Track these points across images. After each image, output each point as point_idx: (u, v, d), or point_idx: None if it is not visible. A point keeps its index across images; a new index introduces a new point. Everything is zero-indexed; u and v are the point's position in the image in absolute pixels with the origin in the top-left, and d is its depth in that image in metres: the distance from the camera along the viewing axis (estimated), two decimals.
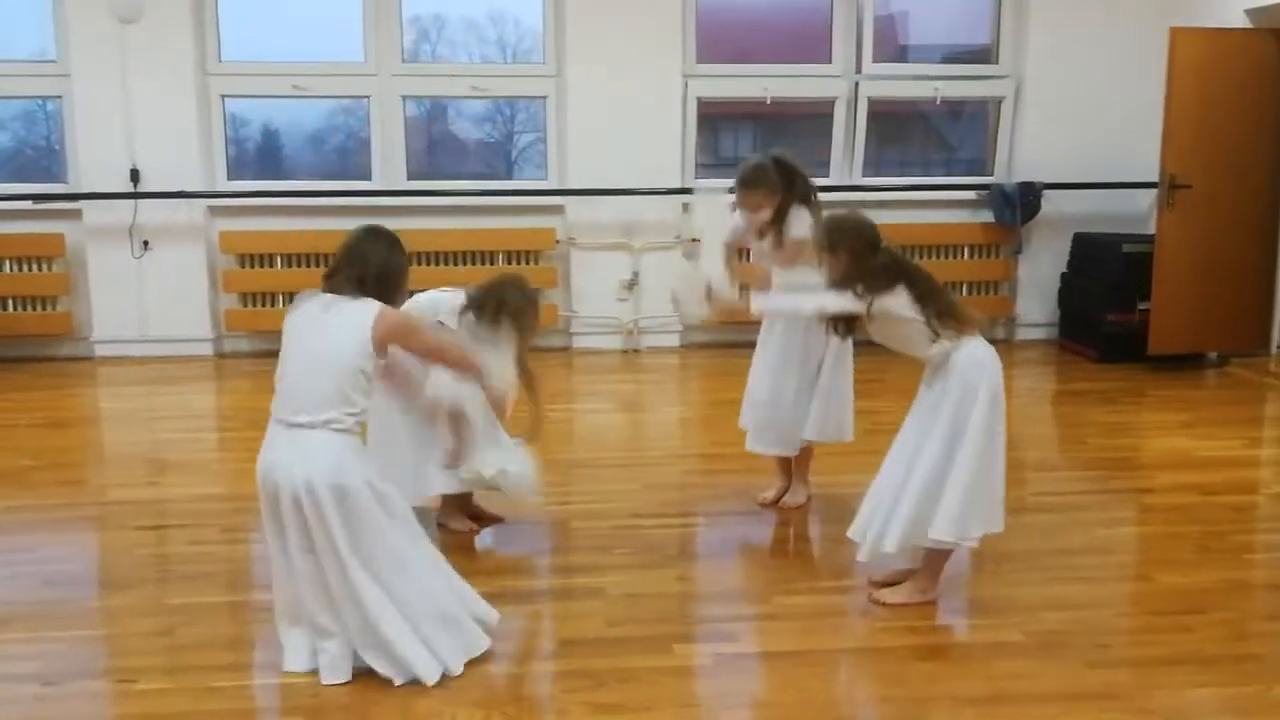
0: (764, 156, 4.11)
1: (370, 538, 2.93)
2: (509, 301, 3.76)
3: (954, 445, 3.32)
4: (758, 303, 3.84)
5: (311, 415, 2.91)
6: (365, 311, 2.94)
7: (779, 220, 4.06)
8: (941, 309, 3.38)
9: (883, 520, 3.41)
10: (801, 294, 3.72)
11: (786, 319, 4.03)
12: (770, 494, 4.45)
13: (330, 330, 2.95)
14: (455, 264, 7.28)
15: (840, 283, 3.44)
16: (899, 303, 3.36)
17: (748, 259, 4.55)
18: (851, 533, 3.53)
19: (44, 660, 3.14)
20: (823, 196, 7.65)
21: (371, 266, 3.00)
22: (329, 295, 3.00)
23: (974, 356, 3.38)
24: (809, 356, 4.19)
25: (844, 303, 3.42)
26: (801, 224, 4.04)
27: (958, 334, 3.37)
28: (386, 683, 2.99)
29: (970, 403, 3.32)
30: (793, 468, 4.42)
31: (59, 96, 7.25)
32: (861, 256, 3.42)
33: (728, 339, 7.50)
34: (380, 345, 2.95)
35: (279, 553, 3.00)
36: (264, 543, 3.68)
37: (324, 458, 2.89)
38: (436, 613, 3.03)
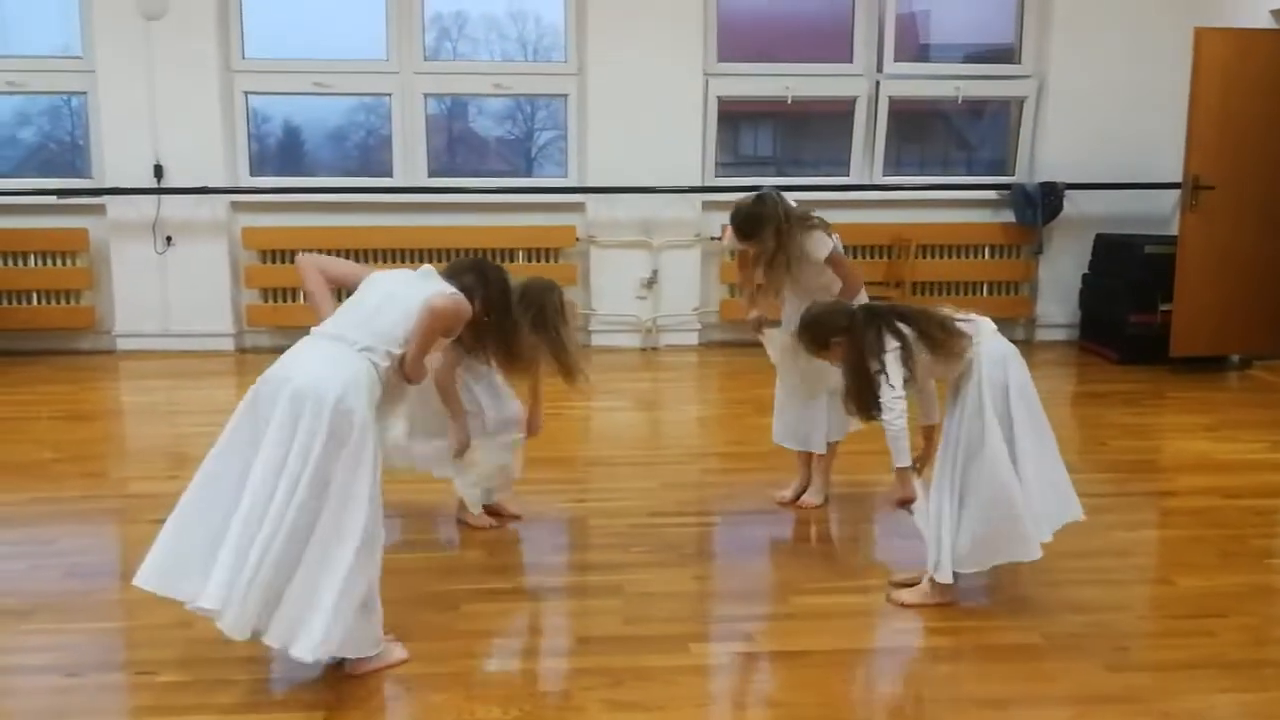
0: (752, 201, 4.06)
1: (344, 473, 2.84)
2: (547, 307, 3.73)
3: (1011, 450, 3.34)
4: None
5: (356, 338, 2.96)
6: (445, 286, 3.12)
7: (784, 249, 4.01)
8: (938, 338, 3.34)
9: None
10: (893, 440, 3.39)
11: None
12: (788, 493, 4.44)
13: (415, 286, 3.10)
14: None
15: (861, 373, 3.36)
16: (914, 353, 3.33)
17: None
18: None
19: (65, 652, 3.17)
20: (843, 195, 7.73)
21: (492, 288, 3.40)
22: (435, 269, 3.21)
23: (992, 356, 3.37)
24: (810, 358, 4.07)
25: (893, 393, 3.31)
26: (819, 243, 4.04)
27: (965, 346, 3.36)
28: (402, 678, 3.00)
29: (1003, 403, 3.34)
30: (813, 467, 4.41)
31: (84, 92, 7.31)
32: (851, 337, 3.38)
33: (746, 338, 7.49)
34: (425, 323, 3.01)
35: (225, 469, 2.93)
36: None
37: (345, 372, 2.90)
38: (361, 595, 2.91)
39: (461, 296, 3.12)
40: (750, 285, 4.35)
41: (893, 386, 3.30)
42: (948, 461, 3.38)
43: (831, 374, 4.08)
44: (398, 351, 3.00)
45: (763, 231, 4.01)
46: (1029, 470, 3.36)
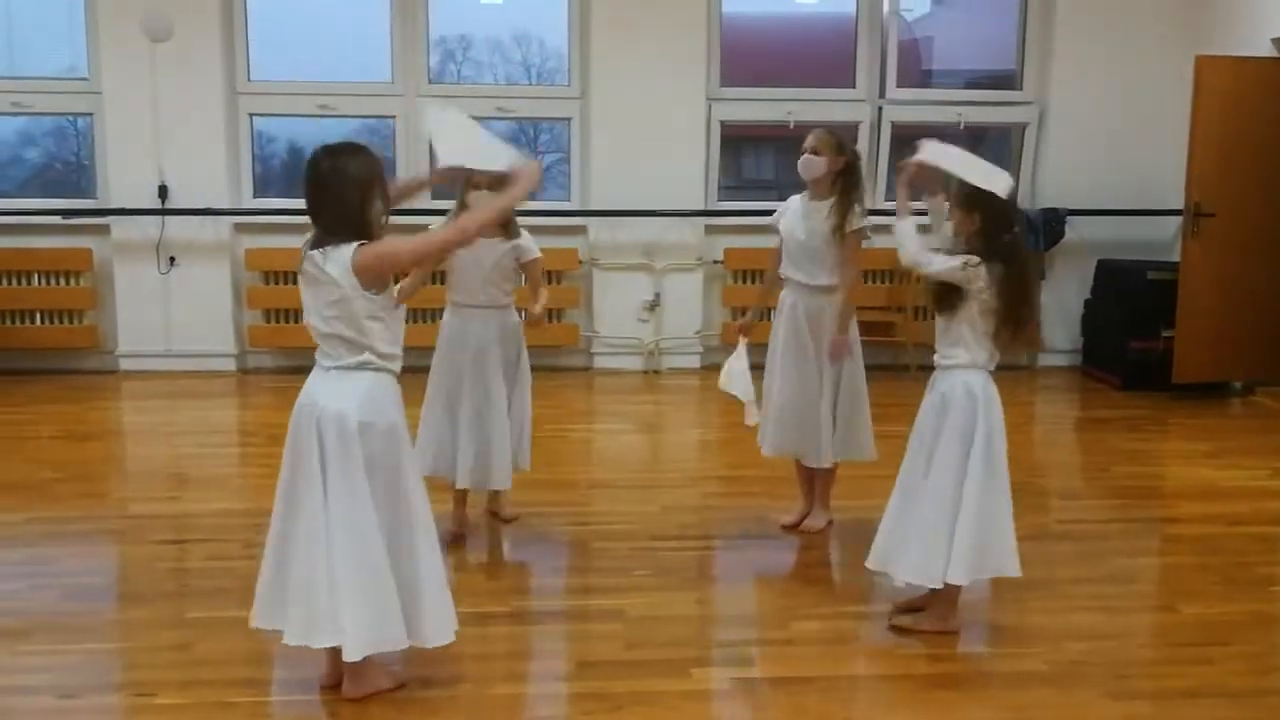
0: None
1: (385, 477, 2.92)
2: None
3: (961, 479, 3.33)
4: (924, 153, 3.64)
5: (344, 360, 2.95)
6: (345, 258, 2.89)
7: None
8: (1010, 333, 3.35)
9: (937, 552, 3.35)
10: (921, 239, 3.49)
11: (902, 249, 3.58)
12: (791, 518, 4.43)
13: (327, 282, 2.92)
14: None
15: (959, 247, 3.38)
16: (988, 297, 3.31)
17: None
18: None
19: (62, 672, 3.16)
20: None
21: (347, 208, 2.92)
22: (321, 250, 2.94)
23: (969, 388, 3.36)
24: (805, 358, 4.22)
25: (946, 270, 3.34)
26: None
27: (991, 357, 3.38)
28: (400, 703, 2.98)
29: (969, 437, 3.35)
30: (815, 491, 4.40)
31: (90, 114, 7.34)
32: (992, 228, 3.36)
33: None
34: (371, 283, 2.90)
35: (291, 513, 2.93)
36: None
37: (355, 394, 2.91)
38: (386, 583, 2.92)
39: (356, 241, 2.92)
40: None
41: (959, 272, 3.31)
42: (948, 471, 3.35)
43: (841, 392, 4.10)
44: (385, 344, 2.96)
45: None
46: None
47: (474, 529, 4.35)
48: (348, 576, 2.85)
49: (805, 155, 4.21)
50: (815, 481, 4.38)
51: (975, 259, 3.32)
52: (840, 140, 4.26)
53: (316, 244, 2.94)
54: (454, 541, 4.15)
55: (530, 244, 4.20)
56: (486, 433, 4.12)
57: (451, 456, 4.13)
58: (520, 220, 4.24)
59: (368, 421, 2.89)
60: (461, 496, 4.25)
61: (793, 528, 4.39)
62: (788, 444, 4.33)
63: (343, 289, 2.88)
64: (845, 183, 4.19)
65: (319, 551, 2.85)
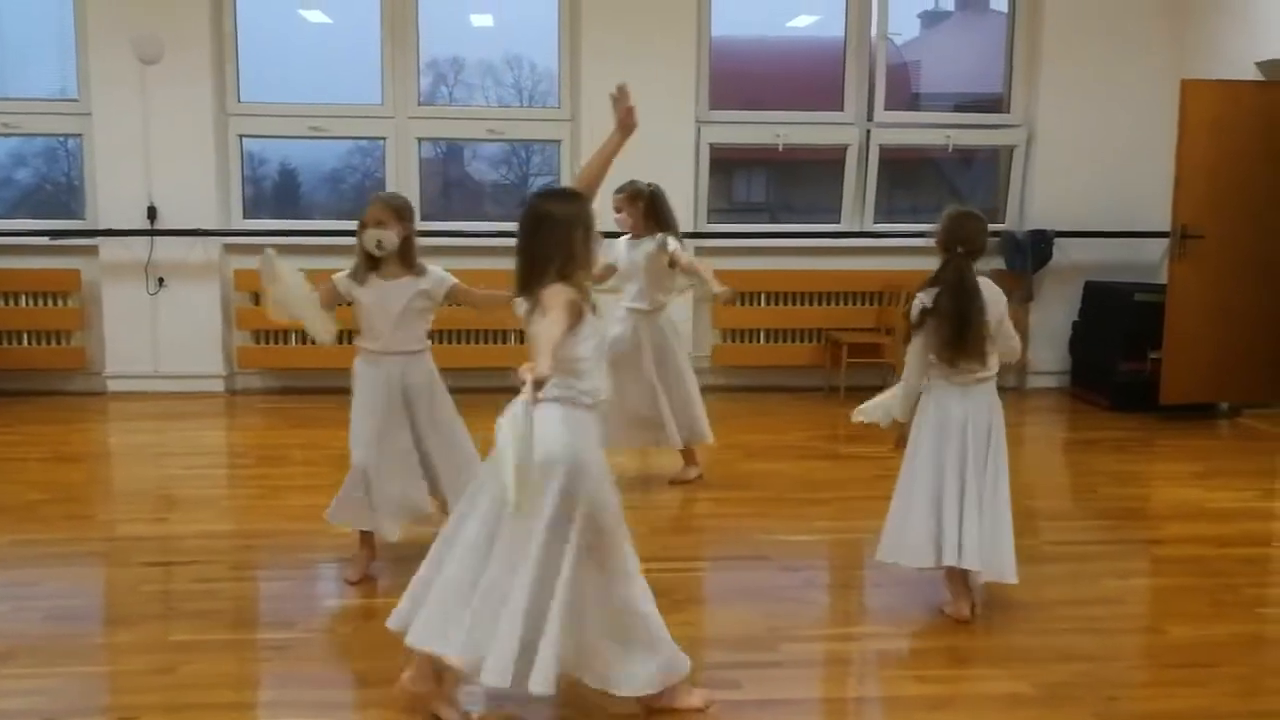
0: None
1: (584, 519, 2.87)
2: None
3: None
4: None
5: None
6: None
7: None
8: (944, 356, 3.61)
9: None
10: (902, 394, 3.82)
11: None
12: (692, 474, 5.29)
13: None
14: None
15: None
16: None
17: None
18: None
19: (45, 696, 3.13)
20: (835, 243, 7.81)
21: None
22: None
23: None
24: (643, 358, 5.06)
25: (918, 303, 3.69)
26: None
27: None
28: None
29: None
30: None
31: (79, 135, 7.34)
32: (942, 247, 3.71)
33: (739, 383, 7.50)
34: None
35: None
36: (272, 579, 3.69)
37: (553, 434, 2.81)
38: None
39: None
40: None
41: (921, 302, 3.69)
42: (970, 467, 3.62)
43: (672, 383, 5.10)
44: (576, 380, 2.91)
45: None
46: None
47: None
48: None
49: (616, 217, 5.10)
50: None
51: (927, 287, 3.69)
52: (637, 189, 5.10)
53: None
54: (360, 582, 4.01)
55: (439, 277, 4.03)
56: (431, 470, 4.04)
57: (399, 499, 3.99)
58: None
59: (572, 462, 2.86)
60: (369, 537, 4.05)
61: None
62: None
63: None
64: (658, 217, 5.08)
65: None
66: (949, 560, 3.63)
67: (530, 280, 2.92)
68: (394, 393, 3.97)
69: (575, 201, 3.01)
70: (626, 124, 3.32)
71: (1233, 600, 3.97)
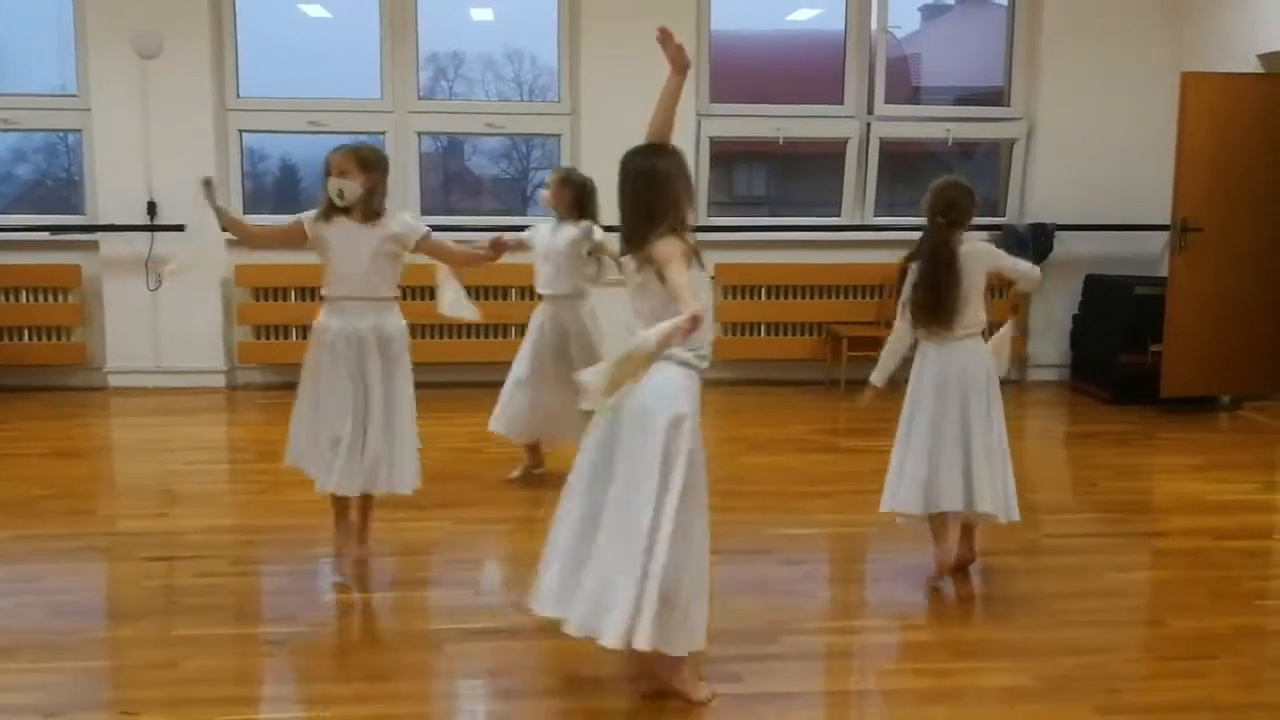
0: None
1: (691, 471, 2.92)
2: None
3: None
4: None
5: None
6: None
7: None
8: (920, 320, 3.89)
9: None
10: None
11: None
12: (517, 472, 5.18)
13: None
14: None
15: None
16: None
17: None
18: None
19: (47, 691, 3.13)
20: (835, 236, 7.80)
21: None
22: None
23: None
24: (544, 350, 5.02)
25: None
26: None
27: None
28: (398, 717, 2.96)
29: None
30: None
31: (79, 130, 7.34)
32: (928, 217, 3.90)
33: (739, 376, 7.50)
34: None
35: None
36: (274, 574, 3.70)
37: (652, 388, 2.89)
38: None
39: None
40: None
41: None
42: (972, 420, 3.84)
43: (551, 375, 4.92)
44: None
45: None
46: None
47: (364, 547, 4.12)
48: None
49: (544, 194, 5.14)
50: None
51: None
52: (572, 177, 5.15)
53: None
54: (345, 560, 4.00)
55: (409, 224, 3.95)
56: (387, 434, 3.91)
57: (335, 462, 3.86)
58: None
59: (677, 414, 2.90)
60: (343, 508, 4.04)
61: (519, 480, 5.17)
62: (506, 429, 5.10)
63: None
64: (584, 207, 5.02)
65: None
66: (948, 506, 3.83)
67: (638, 236, 2.96)
68: (353, 349, 3.83)
69: (674, 155, 3.07)
70: (680, 62, 3.31)
71: (1233, 592, 3.97)
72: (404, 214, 4.04)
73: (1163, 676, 3.33)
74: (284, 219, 4.04)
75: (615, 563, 2.86)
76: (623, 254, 3.02)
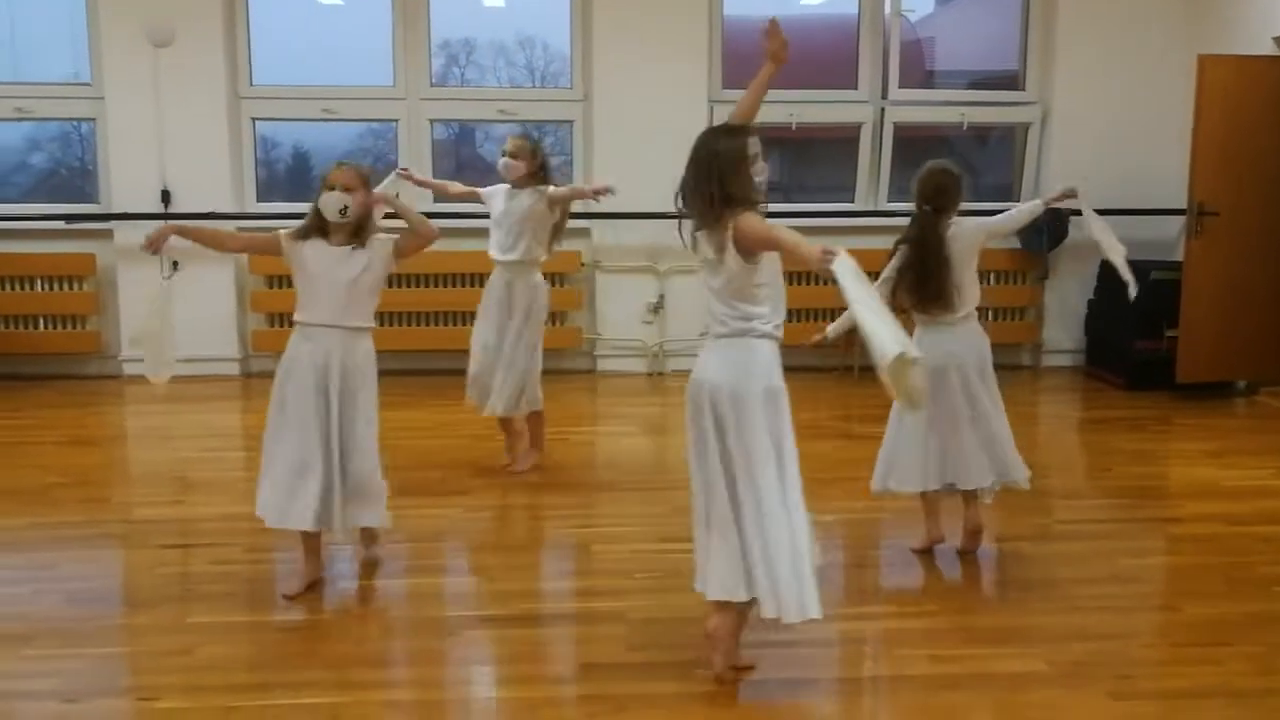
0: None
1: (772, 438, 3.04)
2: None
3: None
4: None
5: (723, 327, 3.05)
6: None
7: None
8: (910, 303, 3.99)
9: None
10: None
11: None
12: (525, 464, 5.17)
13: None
14: (480, 285, 7.29)
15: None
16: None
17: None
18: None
19: (65, 677, 3.16)
20: (849, 221, 7.76)
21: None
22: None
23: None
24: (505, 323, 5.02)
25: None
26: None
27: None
28: (400, 705, 2.97)
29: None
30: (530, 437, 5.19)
31: (93, 119, 7.36)
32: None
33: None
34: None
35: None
36: (289, 561, 3.72)
37: (740, 364, 3.01)
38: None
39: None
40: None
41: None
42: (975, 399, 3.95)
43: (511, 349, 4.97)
44: (752, 311, 3.06)
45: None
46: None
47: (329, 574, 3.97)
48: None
49: (505, 160, 5.00)
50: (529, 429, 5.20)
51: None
52: (538, 148, 5.11)
53: None
54: (311, 589, 3.79)
55: (381, 240, 3.80)
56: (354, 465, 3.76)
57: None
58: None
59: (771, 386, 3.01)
60: (315, 541, 3.83)
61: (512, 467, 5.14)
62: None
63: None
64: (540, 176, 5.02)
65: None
66: (945, 482, 3.96)
67: (712, 215, 3.04)
68: (319, 380, 3.73)
69: (741, 135, 3.18)
70: (779, 57, 3.59)
71: (1248, 578, 3.96)
72: (376, 235, 3.82)
73: (1177, 663, 3.32)
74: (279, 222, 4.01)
75: (776, 541, 3.04)
76: (695, 230, 3.10)
